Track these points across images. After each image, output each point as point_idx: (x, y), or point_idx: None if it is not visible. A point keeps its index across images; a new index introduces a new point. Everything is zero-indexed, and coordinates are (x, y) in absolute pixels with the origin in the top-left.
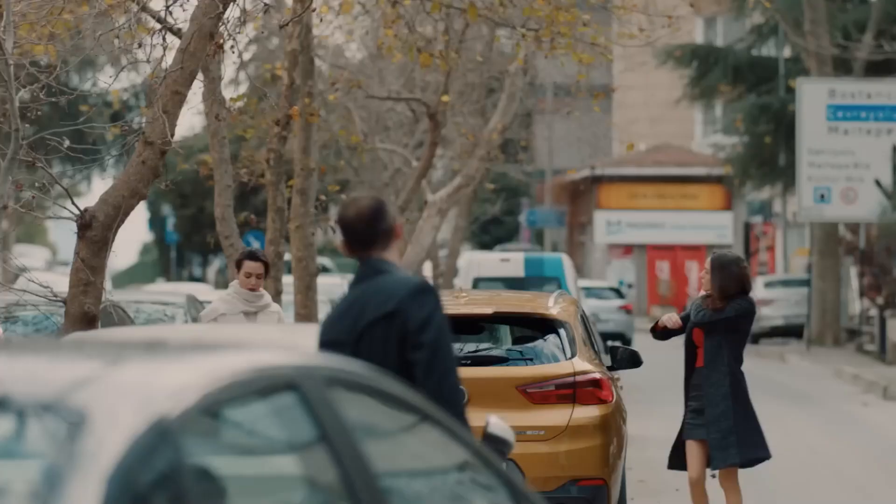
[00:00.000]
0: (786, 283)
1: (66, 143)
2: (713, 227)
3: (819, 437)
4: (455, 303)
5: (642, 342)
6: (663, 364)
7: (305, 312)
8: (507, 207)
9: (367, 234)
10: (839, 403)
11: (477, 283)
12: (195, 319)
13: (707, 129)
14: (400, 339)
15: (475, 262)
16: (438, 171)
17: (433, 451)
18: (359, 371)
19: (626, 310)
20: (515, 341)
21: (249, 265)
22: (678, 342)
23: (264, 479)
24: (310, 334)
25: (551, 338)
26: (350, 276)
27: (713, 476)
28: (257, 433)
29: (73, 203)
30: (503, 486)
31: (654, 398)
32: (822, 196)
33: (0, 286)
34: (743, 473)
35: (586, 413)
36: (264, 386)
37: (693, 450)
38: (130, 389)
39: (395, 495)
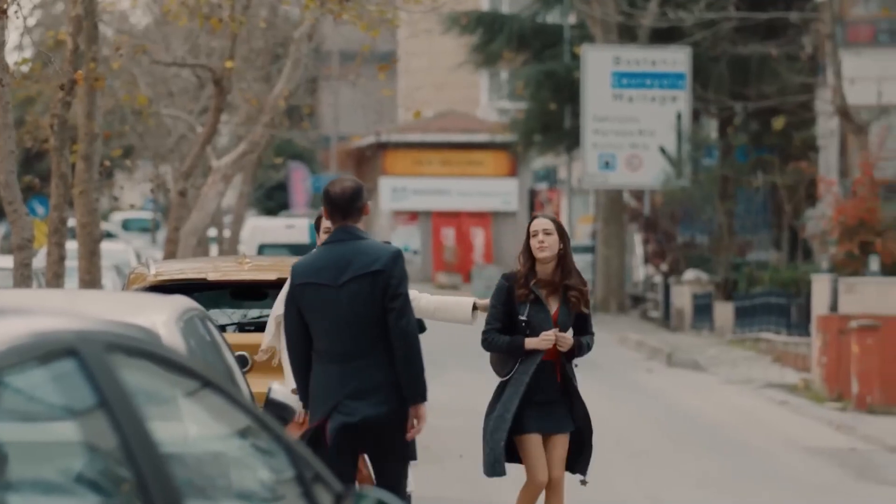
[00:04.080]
0: None
1: None
2: (498, 193)
3: (604, 403)
4: (239, 269)
5: None
6: (446, 331)
7: (90, 278)
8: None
9: (345, 207)
10: (624, 370)
11: (262, 249)
12: None
13: (493, 96)
14: (382, 290)
15: (260, 228)
16: (223, 138)
17: (214, 417)
18: (139, 336)
19: None
20: None
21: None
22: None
23: (43, 446)
24: (93, 300)
25: None
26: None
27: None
28: (36, 399)
29: None
30: (284, 451)
31: (438, 364)
32: (607, 163)
33: None
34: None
35: None
36: (44, 351)
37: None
38: None
39: (176, 461)
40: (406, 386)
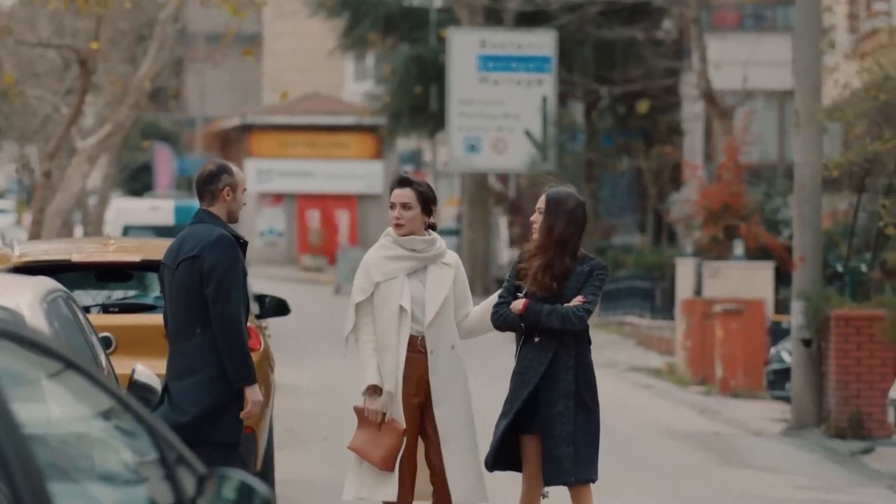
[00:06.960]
0: None
1: None
2: (363, 176)
3: (472, 386)
4: (103, 250)
5: (291, 290)
6: (311, 313)
7: None
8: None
9: (199, 189)
10: (490, 352)
11: (127, 230)
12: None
13: (358, 79)
14: (199, 276)
15: (125, 209)
16: (89, 119)
17: (77, 399)
18: (2, 317)
19: None
20: None
21: (394, 194)
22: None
23: None
24: None
25: None
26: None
27: (543, 496)
28: None
29: None
30: (147, 433)
31: (302, 347)
32: (473, 146)
33: None
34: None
35: None
36: None
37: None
38: None
39: (39, 443)
40: (230, 370)
